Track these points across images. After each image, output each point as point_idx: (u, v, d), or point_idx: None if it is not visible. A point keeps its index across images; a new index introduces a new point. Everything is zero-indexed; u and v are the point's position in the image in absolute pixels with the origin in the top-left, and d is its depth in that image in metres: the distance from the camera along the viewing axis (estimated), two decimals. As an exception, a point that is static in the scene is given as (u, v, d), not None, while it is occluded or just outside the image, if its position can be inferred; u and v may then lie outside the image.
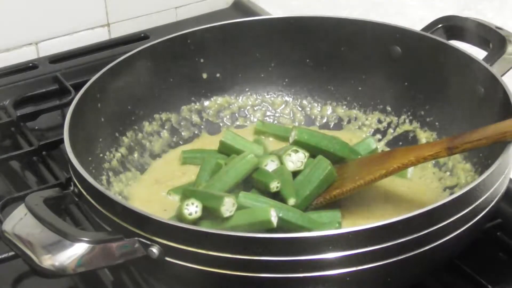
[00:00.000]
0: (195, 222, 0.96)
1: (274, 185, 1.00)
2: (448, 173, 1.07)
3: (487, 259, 0.99)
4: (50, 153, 1.17)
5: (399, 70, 1.13)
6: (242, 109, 1.20)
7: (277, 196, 1.00)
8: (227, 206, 0.95)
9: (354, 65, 1.16)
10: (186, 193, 1.01)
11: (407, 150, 0.99)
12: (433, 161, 1.08)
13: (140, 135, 1.13)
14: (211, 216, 0.96)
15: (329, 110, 1.19)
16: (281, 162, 1.04)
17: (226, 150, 1.10)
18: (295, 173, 1.03)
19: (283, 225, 0.95)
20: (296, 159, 1.04)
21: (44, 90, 1.32)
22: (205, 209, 0.97)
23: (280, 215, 0.95)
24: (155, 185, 1.09)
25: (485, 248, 0.99)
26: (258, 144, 1.11)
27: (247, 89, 1.20)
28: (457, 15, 1.15)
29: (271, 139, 1.16)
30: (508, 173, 0.92)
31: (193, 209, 0.97)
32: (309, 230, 0.95)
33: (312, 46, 1.18)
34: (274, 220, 0.93)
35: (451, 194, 0.99)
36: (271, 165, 1.04)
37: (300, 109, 1.20)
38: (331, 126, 1.18)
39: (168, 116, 1.17)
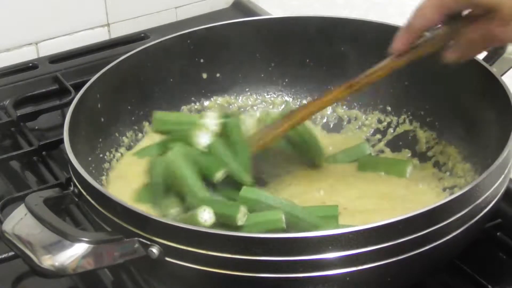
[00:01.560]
0: None
1: (219, 176, 1.00)
2: (448, 173, 1.07)
3: (487, 259, 0.99)
4: (50, 153, 1.17)
5: (399, 70, 1.13)
6: (242, 109, 1.20)
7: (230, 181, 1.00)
8: (241, 215, 0.93)
9: (354, 65, 1.16)
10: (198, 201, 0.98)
11: (318, 99, 1.04)
12: (433, 161, 1.08)
13: (140, 135, 1.13)
14: (222, 225, 0.94)
15: (329, 110, 1.19)
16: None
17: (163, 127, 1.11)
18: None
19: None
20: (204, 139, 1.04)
21: (44, 90, 1.32)
22: (217, 216, 0.94)
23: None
24: (155, 185, 1.09)
25: (485, 248, 0.99)
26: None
27: (247, 89, 1.20)
28: (457, 15, 1.14)
29: None
30: (508, 173, 0.92)
31: (206, 216, 0.95)
32: (309, 223, 0.94)
33: (312, 46, 1.17)
34: (284, 224, 0.93)
35: (451, 194, 0.99)
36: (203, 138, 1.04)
37: (300, 109, 1.20)
38: (331, 126, 1.18)
39: (168, 116, 1.17)
